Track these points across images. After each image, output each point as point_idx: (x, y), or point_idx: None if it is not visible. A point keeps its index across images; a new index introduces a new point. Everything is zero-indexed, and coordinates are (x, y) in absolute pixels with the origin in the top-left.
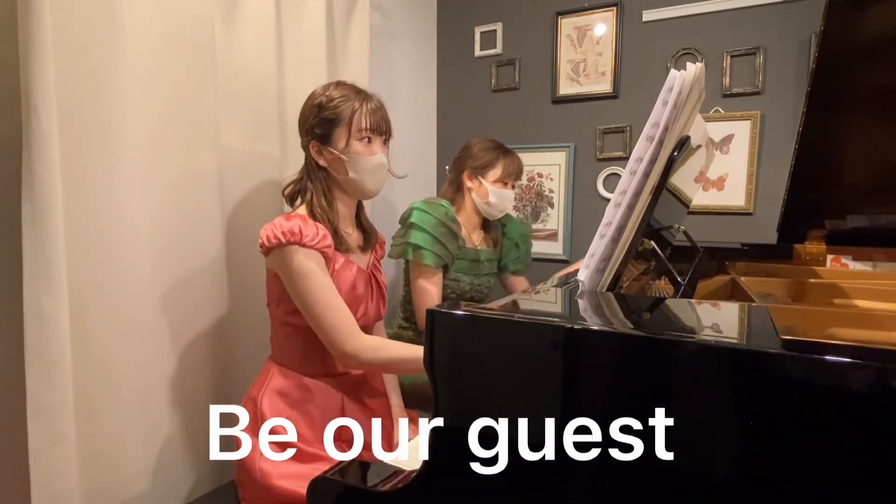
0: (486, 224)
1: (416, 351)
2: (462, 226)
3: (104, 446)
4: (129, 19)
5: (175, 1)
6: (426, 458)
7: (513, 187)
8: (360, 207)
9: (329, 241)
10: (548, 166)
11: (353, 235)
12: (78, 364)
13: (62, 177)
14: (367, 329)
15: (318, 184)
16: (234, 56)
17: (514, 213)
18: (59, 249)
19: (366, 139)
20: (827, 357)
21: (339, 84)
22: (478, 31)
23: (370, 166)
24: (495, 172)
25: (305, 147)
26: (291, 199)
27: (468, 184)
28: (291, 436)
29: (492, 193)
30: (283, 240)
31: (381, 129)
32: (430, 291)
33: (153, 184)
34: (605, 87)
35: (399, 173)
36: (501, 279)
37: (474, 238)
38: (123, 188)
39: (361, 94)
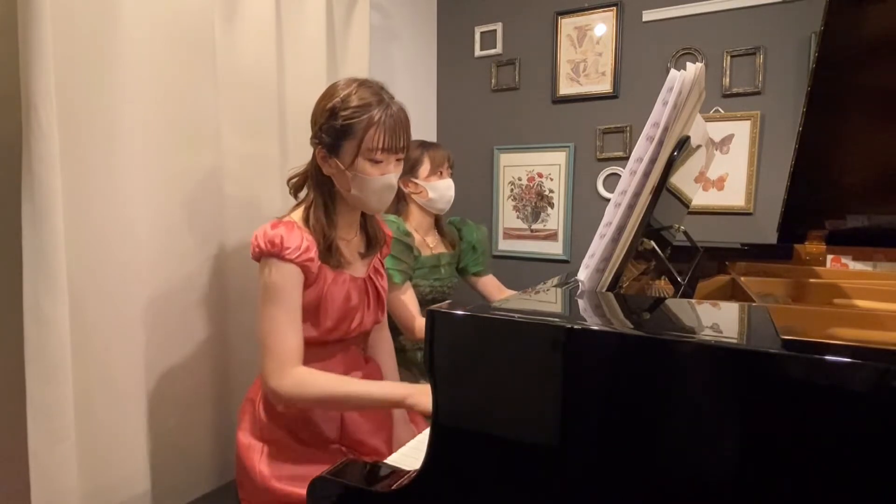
0: (439, 227)
1: (348, 386)
2: (414, 234)
3: (104, 446)
4: (130, 19)
5: (175, 1)
6: (426, 458)
7: (450, 175)
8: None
9: (312, 253)
10: (548, 166)
11: (353, 242)
12: (78, 364)
13: (62, 177)
14: (364, 335)
15: (319, 193)
16: (234, 56)
17: (470, 219)
18: (59, 249)
19: (377, 159)
20: (827, 357)
21: (362, 86)
22: (478, 31)
23: (377, 187)
24: (425, 168)
25: (313, 147)
26: (296, 191)
27: (405, 190)
28: (290, 438)
29: (430, 189)
30: (264, 249)
31: (397, 146)
32: (409, 304)
33: (153, 183)
34: (605, 87)
35: None
36: (468, 281)
37: (430, 242)
38: (123, 188)
39: (382, 104)
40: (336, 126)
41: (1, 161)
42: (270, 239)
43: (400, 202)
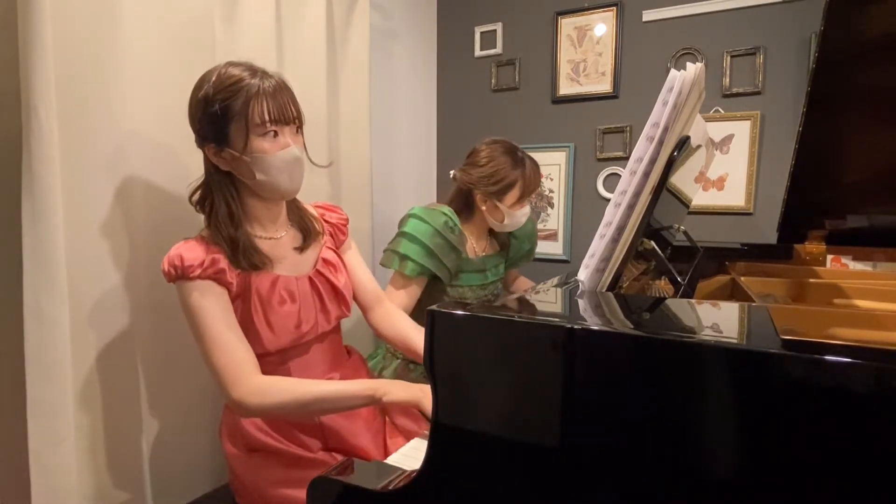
0: (492, 230)
1: (315, 388)
2: (467, 236)
3: (104, 446)
4: (130, 19)
5: (175, 1)
6: (426, 457)
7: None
8: (290, 202)
9: (221, 265)
10: (548, 166)
11: (283, 240)
12: (78, 364)
13: (62, 177)
14: (328, 333)
15: (220, 194)
16: (234, 56)
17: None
18: (59, 249)
19: (270, 133)
20: (827, 357)
21: (229, 65)
22: (478, 31)
23: (280, 164)
24: (514, 195)
25: (200, 148)
26: (202, 204)
27: (482, 206)
28: (276, 443)
29: (507, 216)
30: (169, 272)
31: (288, 116)
32: (397, 297)
33: (153, 183)
34: (605, 87)
35: (397, 174)
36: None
37: (479, 247)
38: (123, 187)
39: (256, 76)
40: (214, 113)
41: (1, 161)
42: (171, 261)
43: (465, 207)
